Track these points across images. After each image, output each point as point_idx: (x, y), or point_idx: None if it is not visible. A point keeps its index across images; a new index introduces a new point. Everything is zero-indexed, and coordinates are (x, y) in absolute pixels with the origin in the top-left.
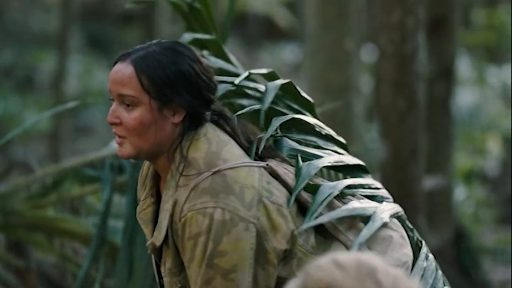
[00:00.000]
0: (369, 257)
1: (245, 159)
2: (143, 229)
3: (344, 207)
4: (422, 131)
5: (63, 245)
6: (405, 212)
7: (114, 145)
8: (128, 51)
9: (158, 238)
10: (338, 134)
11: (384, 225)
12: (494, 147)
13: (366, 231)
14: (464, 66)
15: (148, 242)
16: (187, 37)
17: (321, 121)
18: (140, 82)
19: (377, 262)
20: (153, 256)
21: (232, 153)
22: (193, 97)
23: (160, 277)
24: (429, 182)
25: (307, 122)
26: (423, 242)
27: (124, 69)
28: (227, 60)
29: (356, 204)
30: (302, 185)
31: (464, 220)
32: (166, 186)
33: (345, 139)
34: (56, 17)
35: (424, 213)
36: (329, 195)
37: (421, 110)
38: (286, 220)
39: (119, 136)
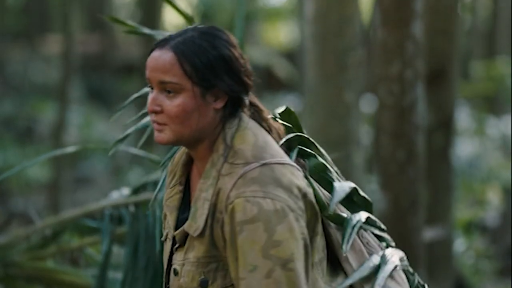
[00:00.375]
0: None
1: (287, 158)
2: (168, 216)
3: (367, 263)
4: (421, 182)
5: None
6: None
7: (113, 196)
8: (165, 37)
9: (193, 226)
10: None
11: (391, 276)
12: (494, 198)
13: (382, 275)
14: (463, 117)
15: (177, 231)
16: None
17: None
18: (182, 68)
19: None
20: (167, 244)
21: (277, 150)
22: (234, 82)
23: (169, 265)
24: (429, 233)
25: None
26: (425, 286)
27: (165, 55)
28: None
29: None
30: (339, 197)
31: (464, 272)
32: (205, 175)
33: None
34: (56, 68)
35: (424, 264)
36: (355, 225)
37: (420, 161)
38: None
39: (159, 124)
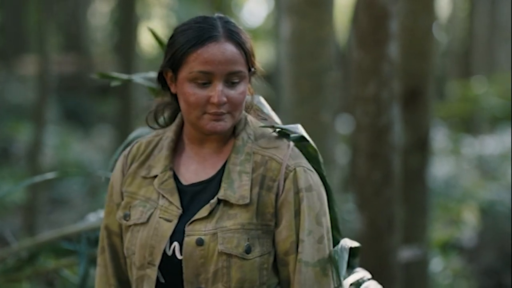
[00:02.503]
0: None
1: None
2: (166, 198)
3: None
4: (398, 202)
5: None
6: (382, 283)
7: (90, 218)
8: (209, 30)
9: (234, 197)
10: None
11: None
12: (470, 218)
13: None
14: (439, 137)
15: (212, 200)
16: None
17: None
18: (245, 57)
19: None
20: (152, 224)
21: None
22: (256, 64)
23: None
24: (406, 253)
25: None
26: None
27: (229, 47)
28: None
29: None
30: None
31: None
32: (235, 150)
33: None
34: (32, 89)
35: (401, 284)
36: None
37: (396, 181)
38: None
39: (222, 114)
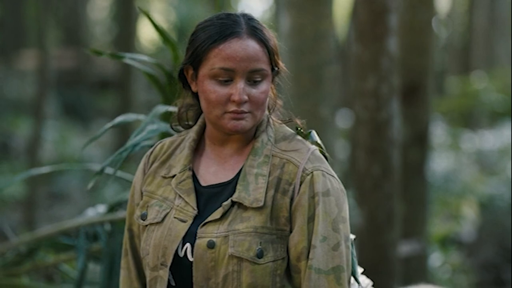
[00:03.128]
0: None
1: None
2: (184, 198)
3: None
4: (397, 197)
5: None
6: (381, 277)
7: (89, 213)
8: (231, 26)
9: (249, 199)
10: None
11: None
12: (469, 212)
13: None
14: (438, 132)
15: (225, 203)
16: (161, 108)
17: None
18: (268, 55)
19: None
20: (167, 224)
21: None
22: (280, 63)
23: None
24: (405, 248)
25: None
26: None
27: (252, 44)
28: None
29: None
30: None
31: (440, 286)
32: (254, 152)
33: None
34: (31, 84)
35: (400, 278)
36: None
37: (396, 176)
38: None
39: (243, 112)
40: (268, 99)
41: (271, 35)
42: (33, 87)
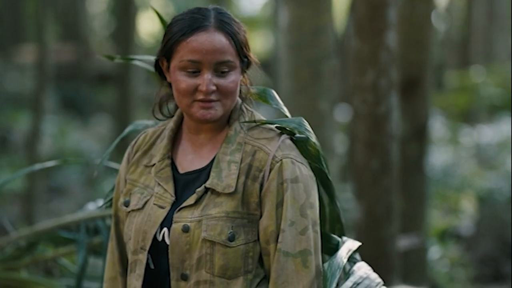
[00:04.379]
0: None
1: None
2: (162, 185)
3: None
4: (396, 191)
5: None
6: (380, 272)
7: (89, 208)
8: (200, 20)
9: (221, 185)
10: None
11: None
12: (468, 206)
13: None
14: (437, 126)
15: (199, 189)
16: None
17: None
18: (235, 47)
19: None
20: (147, 210)
21: None
22: (250, 55)
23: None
24: (404, 242)
25: None
26: None
27: (218, 37)
28: None
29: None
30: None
31: (438, 280)
32: (228, 140)
33: None
34: (30, 78)
35: (399, 272)
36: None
37: (395, 170)
38: None
39: (212, 101)
40: (239, 88)
41: (240, 28)
42: (32, 81)
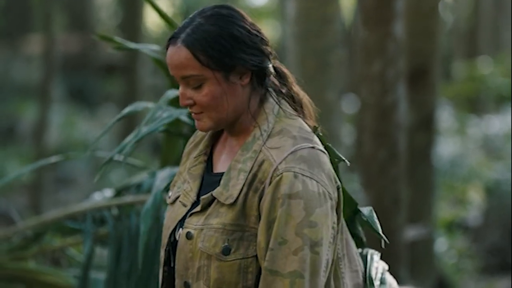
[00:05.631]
0: None
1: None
2: (190, 183)
3: None
4: (403, 182)
5: None
6: (387, 262)
7: (95, 198)
8: (175, 31)
9: (225, 195)
10: None
11: None
12: (475, 197)
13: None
14: (445, 117)
15: (204, 196)
16: (171, 94)
17: None
18: (198, 60)
19: None
20: (175, 207)
21: (317, 139)
22: (253, 55)
23: (177, 228)
24: (411, 232)
25: None
26: None
27: (179, 51)
28: None
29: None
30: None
31: (445, 270)
32: (244, 147)
33: None
34: (37, 68)
35: (406, 263)
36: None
37: (402, 160)
38: None
39: (196, 113)
40: (223, 98)
41: (215, 35)
42: (39, 71)
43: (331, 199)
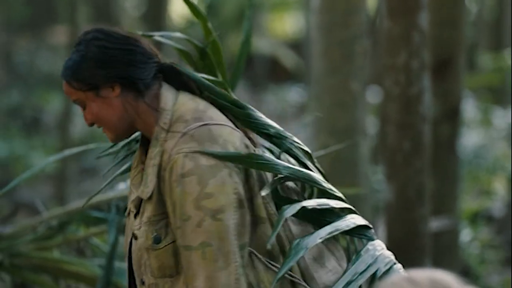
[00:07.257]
0: (443, 276)
1: (229, 122)
2: (134, 192)
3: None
4: (427, 173)
5: (69, 286)
6: (412, 253)
7: (120, 187)
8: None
9: (145, 191)
10: (344, 175)
11: None
12: (500, 188)
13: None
14: (469, 108)
15: (131, 199)
16: None
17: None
18: (71, 86)
19: (451, 281)
20: (131, 216)
21: (217, 114)
22: (115, 69)
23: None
24: (435, 223)
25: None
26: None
27: (64, 81)
28: None
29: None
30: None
31: (470, 261)
32: (152, 145)
33: (351, 180)
34: (63, 58)
35: (430, 254)
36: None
37: (426, 151)
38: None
39: (102, 127)
40: (107, 110)
41: (77, 63)
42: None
43: (226, 167)
